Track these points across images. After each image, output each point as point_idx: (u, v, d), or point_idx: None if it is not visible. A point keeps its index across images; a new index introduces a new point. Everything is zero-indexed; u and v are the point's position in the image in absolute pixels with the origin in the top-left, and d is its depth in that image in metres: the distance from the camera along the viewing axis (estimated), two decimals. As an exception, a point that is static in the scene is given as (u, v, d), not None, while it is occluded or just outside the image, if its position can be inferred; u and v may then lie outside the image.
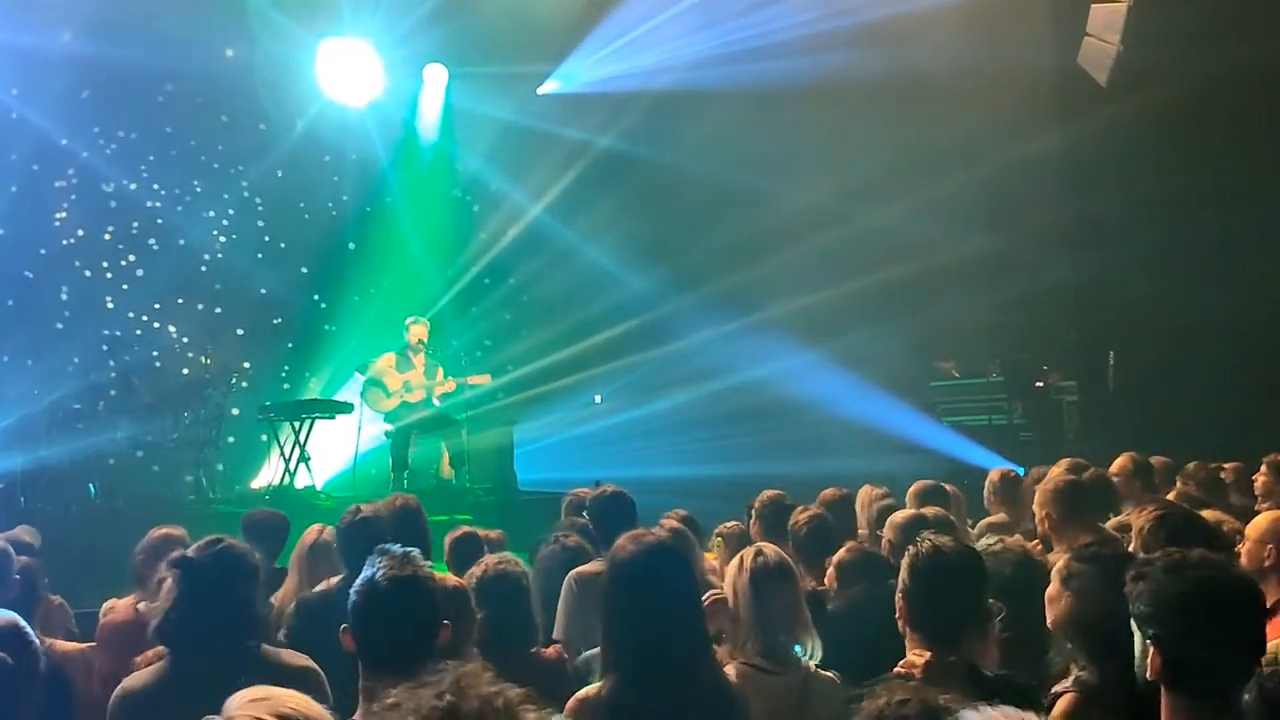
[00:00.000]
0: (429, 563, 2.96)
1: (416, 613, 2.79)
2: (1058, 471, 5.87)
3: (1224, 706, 2.31)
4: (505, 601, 3.85)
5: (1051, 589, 3.10)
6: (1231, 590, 2.49)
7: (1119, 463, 6.62)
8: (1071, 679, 2.91)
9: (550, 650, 4.09)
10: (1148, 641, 2.46)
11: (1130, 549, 3.69)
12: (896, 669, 2.97)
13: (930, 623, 3.04)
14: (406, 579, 2.80)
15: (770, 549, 3.52)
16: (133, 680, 3.17)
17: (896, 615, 3.13)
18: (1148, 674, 2.45)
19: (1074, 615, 2.97)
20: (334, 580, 4.38)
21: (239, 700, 1.78)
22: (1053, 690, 2.92)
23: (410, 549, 2.91)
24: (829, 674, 3.38)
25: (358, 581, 2.88)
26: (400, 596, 2.76)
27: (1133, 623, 2.53)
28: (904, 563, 3.16)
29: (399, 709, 1.52)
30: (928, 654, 2.96)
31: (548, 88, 14.33)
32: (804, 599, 3.53)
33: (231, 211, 12.87)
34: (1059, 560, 3.16)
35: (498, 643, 3.67)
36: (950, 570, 3.05)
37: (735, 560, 3.50)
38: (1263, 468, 6.55)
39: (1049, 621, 3.10)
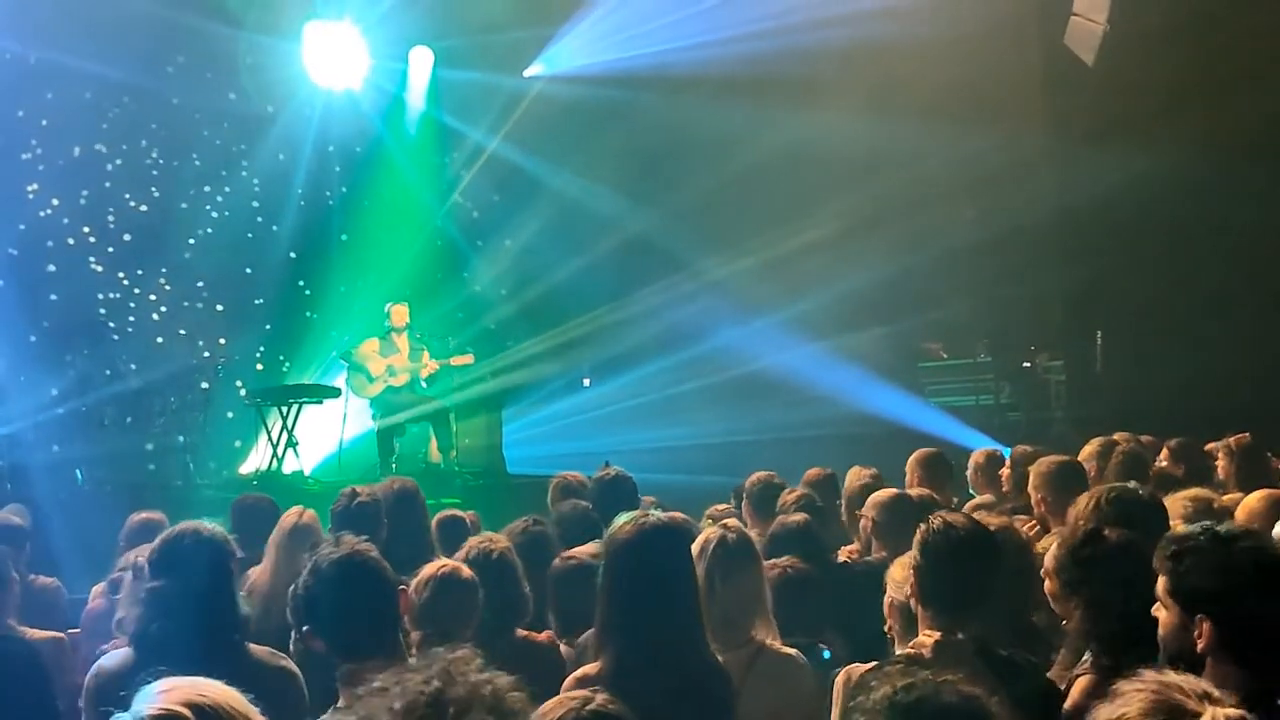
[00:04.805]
0: (365, 541, 2.94)
1: (366, 588, 2.78)
2: (1089, 450, 5.84)
3: (1274, 675, 2.36)
4: (492, 583, 3.83)
5: (1053, 588, 3.11)
6: (1277, 561, 2.54)
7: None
8: (1089, 661, 2.92)
9: (543, 635, 4.10)
10: (1201, 617, 2.48)
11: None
12: (907, 649, 2.98)
13: (940, 600, 3.03)
14: (347, 560, 2.79)
15: (734, 532, 3.50)
16: (109, 660, 3.12)
17: (909, 594, 3.13)
18: (1198, 648, 2.48)
19: (1089, 614, 2.97)
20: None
21: (150, 691, 1.76)
22: (1073, 673, 2.95)
23: (344, 533, 2.91)
24: (788, 650, 3.38)
25: (300, 581, 2.86)
26: (346, 576, 2.76)
27: (1160, 599, 2.57)
28: (915, 539, 3.14)
29: (385, 694, 1.50)
30: (937, 634, 2.97)
31: (533, 70, 14.29)
32: (765, 581, 3.54)
33: (227, 189, 12.85)
34: (1049, 551, 3.16)
35: (488, 623, 3.64)
36: (961, 547, 3.04)
37: (698, 543, 3.46)
38: (1220, 453, 6.50)
39: (1065, 624, 3.11)
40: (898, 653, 3.00)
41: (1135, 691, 1.67)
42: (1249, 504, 4.30)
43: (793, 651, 3.39)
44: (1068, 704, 2.86)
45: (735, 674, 3.20)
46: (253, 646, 3.23)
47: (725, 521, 3.64)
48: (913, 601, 3.12)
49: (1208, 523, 2.78)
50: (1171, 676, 1.69)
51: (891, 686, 1.87)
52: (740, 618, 3.36)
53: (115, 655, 3.14)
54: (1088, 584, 2.99)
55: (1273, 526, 4.07)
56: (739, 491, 5.99)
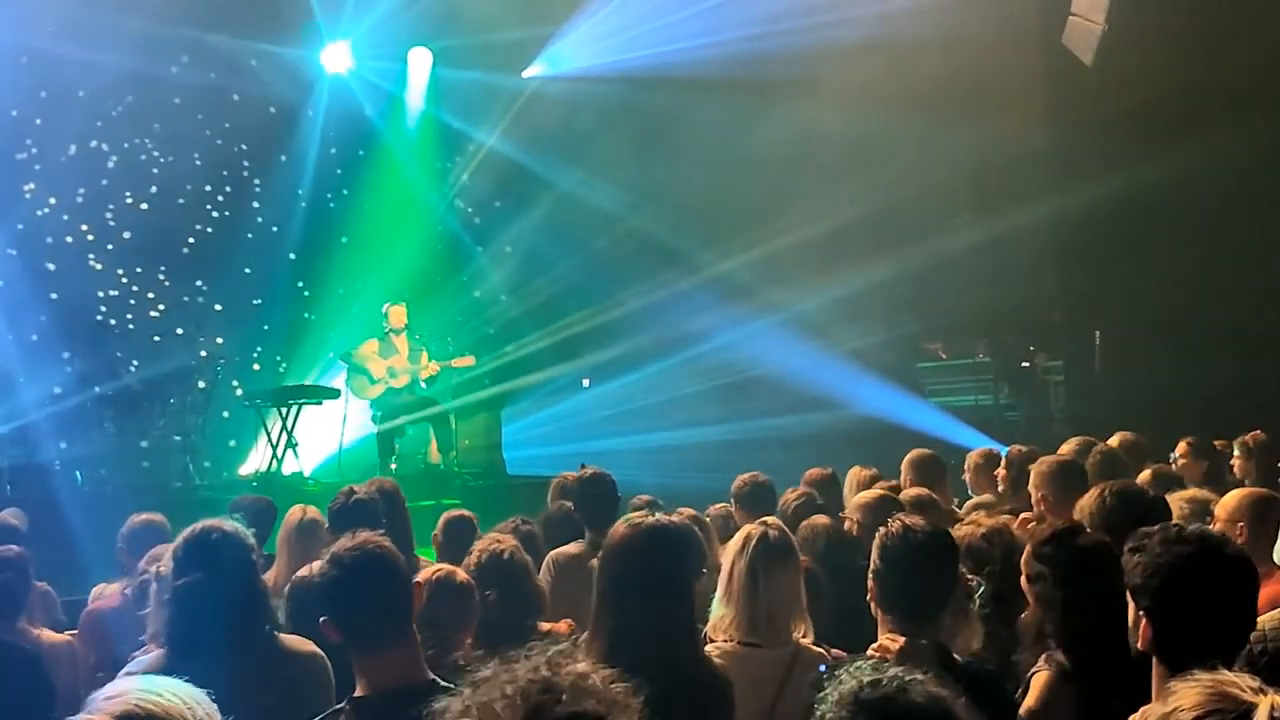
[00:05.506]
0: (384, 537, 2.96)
1: (384, 579, 2.80)
2: (1066, 449, 5.85)
3: None
4: (504, 581, 3.86)
5: (1022, 582, 3.09)
6: (1225, 564, 2.50)
7: (1113, 441, 6.59)
8: (1044, 658, 2.91)
9: (562, 625, 4.11)
10: (1140, 613, 2.47)
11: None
12: (869, 651, 2.95)
13: (901, 605, 2.99)
14: (364, 552, 2.81)
15: (775, 530, 3.47)
16: (137, 666, 3.12)
17: (868, 596, 3.09)
18: (1139, 645, 2.47)
19: (1039, 611, 2.96)
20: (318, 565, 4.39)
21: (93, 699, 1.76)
22: (1029, 672, 2.93)
23: (360, 529, 2.94)
24: (820, 649, 3.37)
25: (319, 570, 2.89)
26: (364, 568, 2.78)
27: (1128, 595, 2.55)
28: (874, 544, 3.10)
29: (494, 681, 1.50)
30: (901, 638, 2.93)
31: (533, 70, 14.30)
32: (802, 578, 3.50)
33: (228, 189, 12.88)
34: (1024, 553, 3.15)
35: (502, 621, 3.68)
36: (921, 551, 2.99)
37: (739, 539, 3.46)
38: (1236, 450, 6.48)
39: (1022, 617, 3.09)
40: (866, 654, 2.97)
41: (1188, 688, 1.66)
42: (1226, 503, 4.31)
43: (822, 650, 3.38)
44: (1026, 703, 2.84)
45: (778, 672, 3.21)
46: (282, 636, 3.31)
47: (765, 519, 3.62)
48: (872, 605, 3.07)
49: (1174, 523, 2.78)
50: (1224, 674, 1.68)
51: (858, 683, 1.87)
52: (783, 615, 3.35)
53: (146, 659, 3.14)
54: (1042, 580, 2.98)
55: (1255, 523, 4.09)
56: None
